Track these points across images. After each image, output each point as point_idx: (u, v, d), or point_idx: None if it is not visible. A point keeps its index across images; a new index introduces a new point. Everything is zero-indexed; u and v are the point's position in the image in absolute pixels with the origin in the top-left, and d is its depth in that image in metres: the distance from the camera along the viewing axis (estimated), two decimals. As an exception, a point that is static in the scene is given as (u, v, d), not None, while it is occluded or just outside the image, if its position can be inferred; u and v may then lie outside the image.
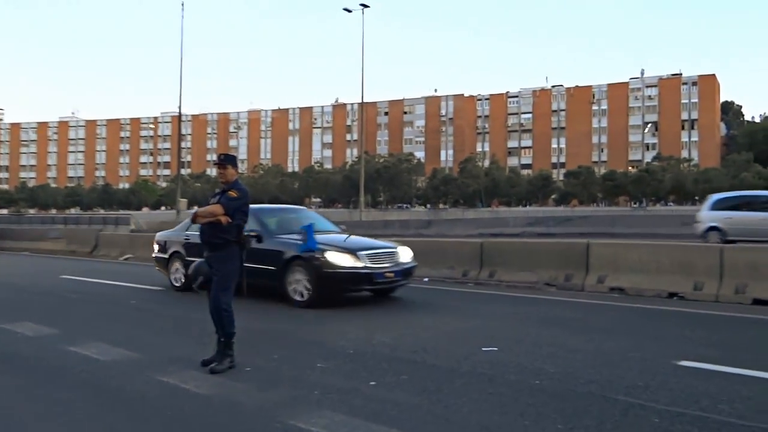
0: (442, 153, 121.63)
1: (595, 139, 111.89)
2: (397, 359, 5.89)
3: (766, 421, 4.12)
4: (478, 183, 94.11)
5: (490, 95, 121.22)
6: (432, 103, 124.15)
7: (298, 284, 9.08)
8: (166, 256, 11.49)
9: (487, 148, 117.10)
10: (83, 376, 5.41)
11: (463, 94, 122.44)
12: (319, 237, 9.31)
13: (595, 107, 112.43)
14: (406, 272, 9.65)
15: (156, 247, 12.01)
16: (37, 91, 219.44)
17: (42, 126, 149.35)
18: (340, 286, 9.14)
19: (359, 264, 8.98)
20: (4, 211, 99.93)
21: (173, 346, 6.60)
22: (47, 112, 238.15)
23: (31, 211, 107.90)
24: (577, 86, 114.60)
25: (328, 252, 9.00)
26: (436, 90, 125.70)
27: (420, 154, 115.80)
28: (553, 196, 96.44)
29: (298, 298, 9.06)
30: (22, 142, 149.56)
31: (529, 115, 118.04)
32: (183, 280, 10.86)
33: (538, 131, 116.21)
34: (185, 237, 11.07)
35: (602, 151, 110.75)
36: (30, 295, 11.12)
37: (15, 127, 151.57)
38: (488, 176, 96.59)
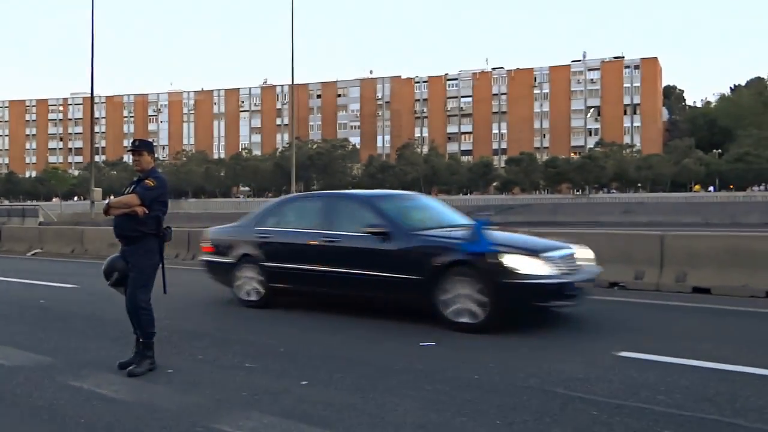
0: (379, 139, 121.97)
1: (537, 125, 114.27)
2: (330, 357, 5.93)
3: (703, 411, 4.34)
4: (416, 170, 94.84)
5: (429, 77, 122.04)
6: (367, 85, 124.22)
7: (463, 301, 7.00)
8: (230, 260, 8.95)
9: (426, 134, 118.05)
10: (-15, 383, 5.23)
11: (400, 77, 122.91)
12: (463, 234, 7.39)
13: (536, 91, 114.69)
14: (591, 281, 7.65)
15: (210, 247, 9.55)
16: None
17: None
18: (526, 302, 7.08)
19: (548, 271, 6.99)
20: None
21: (87, 348, 6.45)
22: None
23: None
24: (518, 69, 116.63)
25: (508, 255, 6.97)
26: (371, 72, 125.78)
27: (355, 140, 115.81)
28: (494, 184, 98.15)
29: (464, 319, 6.99)
30: None
31: (469, 99, 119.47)
32: (261, 293, 8.64)
33: (479, 116, 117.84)
34: (261, 235, 8.80)
35: (544, 137, 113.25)
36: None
37: None
38: (427, 163, 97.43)
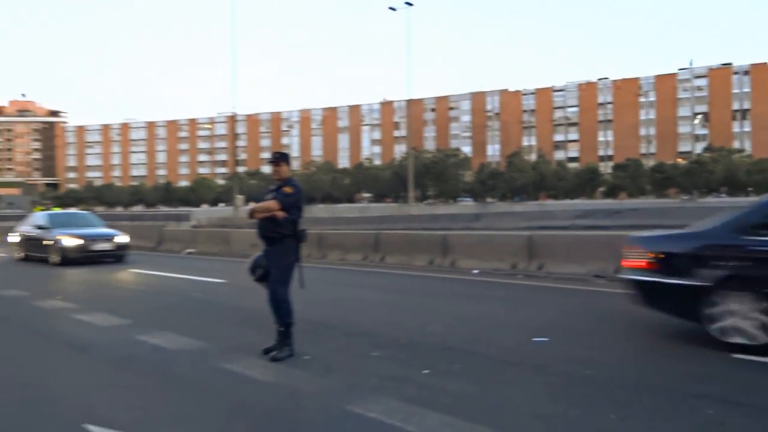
0: (489, 148, 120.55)
1: (643, 131, 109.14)
2: (449, 349, 5.92)
3: None
4: (525, 177, 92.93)
5: (536, 90, 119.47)
6: (478, 98, 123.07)
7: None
8: (697, 282, 5.81)
9: (533, 143, 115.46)
10: (153, 363, 5.60)
11: (508, 89, 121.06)
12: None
13: (642, 99, 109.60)
14: None
15: (647, 262, 6.27)
16: (99, 94, 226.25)
17: (105, 128, 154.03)
18: None
19: None
20: (75, 209, 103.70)
21: (236, 335, 6.76)
22: (109, 114, 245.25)
23: (99, 209, 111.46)
24: (623, 79, 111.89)
25: None
26: (481, 85, 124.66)
27: (467, 149, 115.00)
28: (600, 189, 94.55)
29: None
30: (87, 144, 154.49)
31: (576, 109, 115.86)
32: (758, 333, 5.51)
33: (585, 124, 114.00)
34: (757, 246, 5.63)
35: (650, 144, 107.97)
36: (101, 288, 11.52)
37: (80, 129, 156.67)
38: (535, 170, 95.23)
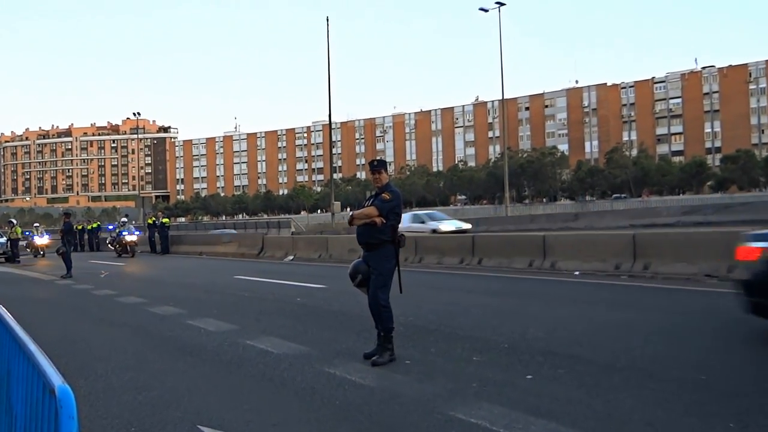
0: (587, 144, 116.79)
1: (753, 121, 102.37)
2: (552, 353, 5.77)
3: None
4: (626, 173, 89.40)
5: (635, 82, 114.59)
6: (573, 94, 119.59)
7: None
8: None
9: (634, 137, 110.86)
10: (260, 367, 5.79)
11: (605, 84, 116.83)
12: None
13: (752, 86, 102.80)
14: None
15: None
16: (204, 109, 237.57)
17: (210, 141, 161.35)
18: None
19: None
20: (183, 219, 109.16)
21: (337, 340, 6.88)
22: (213, 127, 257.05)
23: (205, 218, 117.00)
24: (730, 66, 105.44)
25: None
26: (576, 81, 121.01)
27: (563, 147, 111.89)
28: (708, 183, 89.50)
29: None
30: (194, 157, 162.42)
31: (679, 100, 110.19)
32: None
33: (689, 116, 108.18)
34: None
35: (762, 133, 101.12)
36: (210, 294, 12.05)
37: (187, 143, 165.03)
38: (637, 165, 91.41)
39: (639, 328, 6.75)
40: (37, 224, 34.73)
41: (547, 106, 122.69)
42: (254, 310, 9.45)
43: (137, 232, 27.19)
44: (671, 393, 4.44)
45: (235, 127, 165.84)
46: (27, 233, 31.60)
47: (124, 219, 29.66)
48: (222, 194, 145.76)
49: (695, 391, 4.47)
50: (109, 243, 28.39)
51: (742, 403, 4.13)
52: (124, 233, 26.10)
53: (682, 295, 9.16)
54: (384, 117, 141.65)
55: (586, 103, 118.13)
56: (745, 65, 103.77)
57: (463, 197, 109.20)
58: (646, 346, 5.90)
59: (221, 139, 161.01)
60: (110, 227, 37.28)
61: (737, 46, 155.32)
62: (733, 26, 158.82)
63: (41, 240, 30.51)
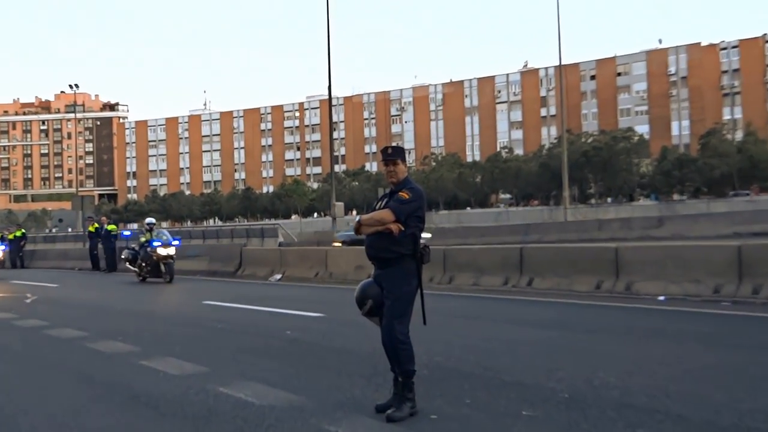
0: (674, 125, 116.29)
1: None
2: (628, 406, 5.74)
3: None
4: (727, 163, 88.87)
5: (739, 41, 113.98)
6: (656, 58, 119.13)
7: None
8: None
9: (738, 115, 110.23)
10: (238, 423, 5.78)
11: (699, 44, 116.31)
12: None
13: None
14: None
15: None
16: (163, 81, 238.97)
17: (171, 122, 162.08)
18: None
19: None
20: (135, 226, 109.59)
21: (340, 387, 6.87)
22: (175, 105, 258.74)
23: (164, 224, 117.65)
24: None
25: None
26: (660, 41, 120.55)
27: (643, 129, 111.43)
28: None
29: None
30: (150, 143, 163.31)
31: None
32: None
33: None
34: None
35: None
36: (171, 326, 12.09)
37: (141, 125, 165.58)
38: (742, 153, 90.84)
39: (748, 374, 6.70)
40: None
41: (620, 74, 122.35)
42: (229, 347, 9.47)
43: (176, 241, 22.32)
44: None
45: (205, 104, 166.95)
46: None
47: (152, 220, 24.63)
48: (187, 193, 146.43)
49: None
50: (127, 261, 23.05)
51: None
52: (154, 244, 21.52)
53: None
54: (402, 90, 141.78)
55: (672, 69, 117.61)
56: None
57: (508, 196, 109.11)
58: (758, 397, 5.85)
59: (185, 120, 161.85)
60: (126, 234, 32.15)
61: None
62: None
63: None
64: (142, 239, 22.25)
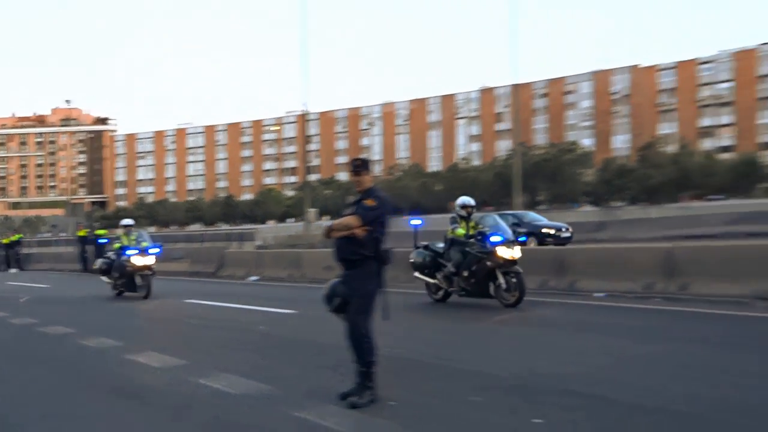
0: (616, 139, 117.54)
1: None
2: (566, 392, 5.83)
3: None
4: (662, 173, 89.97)
5: (676, 63, 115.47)
6: (601, 78, 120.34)
7: None
8: None
9: (674, 130, 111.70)
10: (215, 411, 5.79)
11: (639, 65, 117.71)
12: None
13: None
14: None
15: None
16: (151, 97, 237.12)
17: (158, 135, 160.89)
18: None
19: None
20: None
21: (308, 377, 6.91)
22: (161, 119, 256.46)
23: (151, 229, 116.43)
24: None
25: None
26: (605, 62, 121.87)
27: (588, 142, 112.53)
28: (763, 186, 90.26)
29: None
30: (138, 155, 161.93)
31: (730, 84, 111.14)
32: None
33: (742, 104, 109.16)
34: None
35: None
36: (154, 322, 12.04)
37: (130, 138, 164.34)
38: (677, 164, 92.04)
39: (672, 362, 6.82)
40: None
41: (568, 92, 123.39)
42: (208, 342, 9.46)
43: (155, 249, 16.81)
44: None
45: (190, 119, 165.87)
46: None
47: (129, 221, 18.03)
48: (173, 200, 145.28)
49: (737, 436, 4.55)
50: (101, 271, 17.89)
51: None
52: (128, 252, 16.37)
53: (726, 321, 9.26)
54: (371, 107, 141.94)
55: (616, 88, 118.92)
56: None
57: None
58: (681, 383, 6.00)
59: (172, 133, 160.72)
60: (102, 241, 27.16)
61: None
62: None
63: None
64: (116, 245, 17.20)
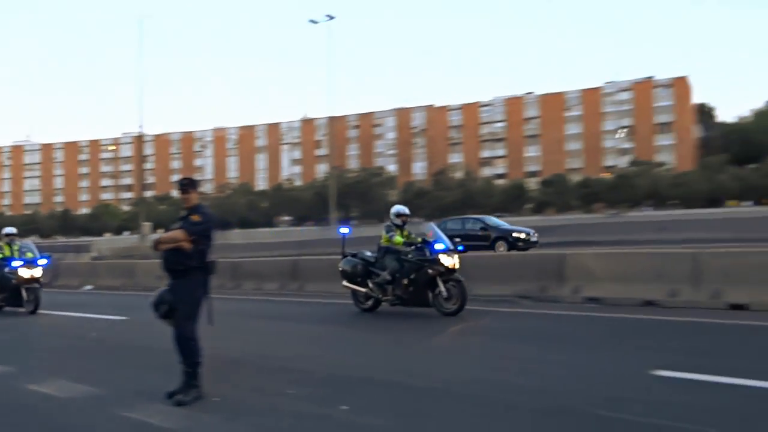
0: (415, 165, 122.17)
1: (570, 146, 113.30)
2: (369, 382, 5.92)
3: (746, 430, 4.20)
4: (452, 195, 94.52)
5: (462, 105, 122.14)
6: (402, 115, 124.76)
7: None
8: None
9: (460, 159, 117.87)
10: (40, 416, 5.33)
11: (434, 105, 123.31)
12: None
13: (568, 113, 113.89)
14: None
15: None
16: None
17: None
18: None
19: None
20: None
21: (137, 379, 6.53)
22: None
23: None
24: (550, 93, 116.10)
25: None
26: (406, 101, 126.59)
27: (392, 168, 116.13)
28: (528, 206, 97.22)
29: None
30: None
31: (503, 124, 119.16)
32: None
33: (512, 140, 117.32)
34: None
35: (577, 158, 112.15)
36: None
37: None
38: (463, 187, 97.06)
39: (464, 353, 7.12)
40: None
41: (376, 125, 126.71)
42: (39, 349, 8.72)
43: (43, 259, 13.69)
44: (487, 416, 4.74)
45: (27, 136, 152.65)
46: None
47: (11, 230, 14.07)
48: (9, 213, 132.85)
49: (507, 412, 4.80)
50: None
51: (551, 422, 4.49)
52: (13, 264, 13.13)
53: (499, 316, 9.82)
54: (204, 131, 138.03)
55: (415, 123, 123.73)
56: (562, 93, 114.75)
57: (289, 218, 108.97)
58: (466, 370, 6.22)
59: (9, 150, 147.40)
60: None
61: (557, 74, 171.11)
62: (552, 55, 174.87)
63: None
64: None
